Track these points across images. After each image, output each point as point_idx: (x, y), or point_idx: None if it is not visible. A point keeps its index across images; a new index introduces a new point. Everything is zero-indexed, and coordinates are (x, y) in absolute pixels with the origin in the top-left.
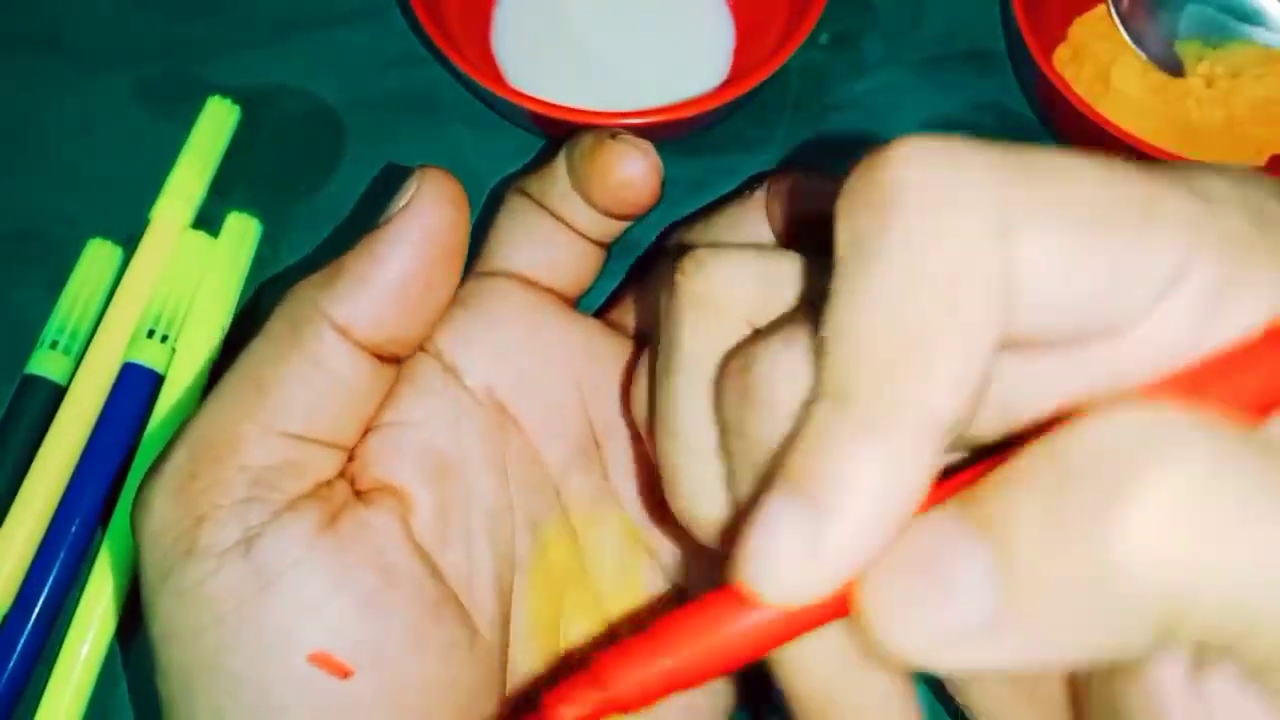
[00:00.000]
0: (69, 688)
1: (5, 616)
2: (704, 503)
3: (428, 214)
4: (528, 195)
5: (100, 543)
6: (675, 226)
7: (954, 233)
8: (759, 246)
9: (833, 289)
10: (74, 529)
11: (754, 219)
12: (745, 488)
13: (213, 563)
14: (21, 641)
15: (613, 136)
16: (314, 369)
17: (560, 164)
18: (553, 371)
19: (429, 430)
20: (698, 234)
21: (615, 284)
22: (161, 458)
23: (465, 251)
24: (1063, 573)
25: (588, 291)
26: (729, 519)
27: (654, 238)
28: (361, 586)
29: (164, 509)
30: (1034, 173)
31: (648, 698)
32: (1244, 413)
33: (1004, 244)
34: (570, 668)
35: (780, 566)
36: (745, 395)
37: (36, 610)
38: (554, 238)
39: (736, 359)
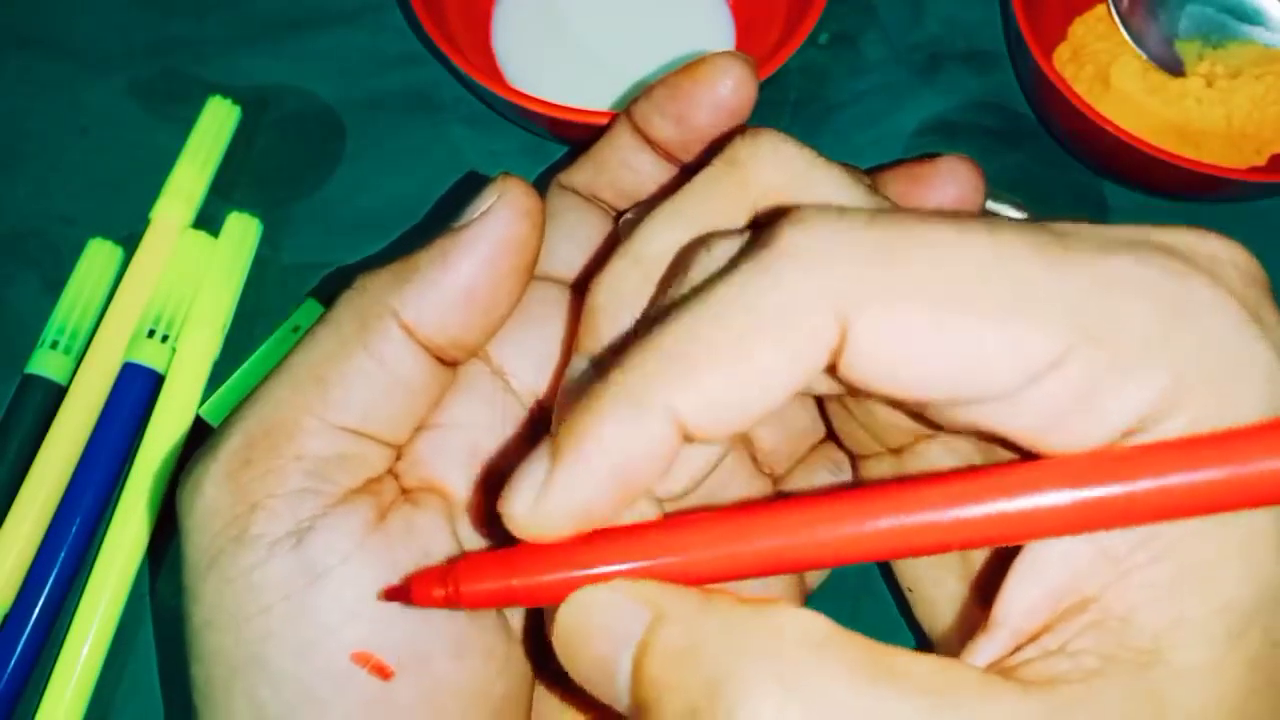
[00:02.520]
0: (69, 688)
1: (5, 616)
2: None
3: (504, 225)
4: (571, 189)
5: (101, 542)
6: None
7: (792, 289)
8: (826, 159)
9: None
10: (74, 529)
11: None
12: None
13: (263, 552)
14: (21, 641)
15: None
16: (377, 365)
17: (607, 145)
18: None
19: (476, 432)
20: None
21: None
22: (215, 440)
23: (534, 266)
24: None
25: None
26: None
27: None
28: None
29: (216, 493)
30: (903, 252)
31: (485, 605)
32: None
33: (837, 317)
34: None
35: (517, 503)
36: (685, 264)
37: (36, 610)
38: (598, 233)
39: (703, 239)
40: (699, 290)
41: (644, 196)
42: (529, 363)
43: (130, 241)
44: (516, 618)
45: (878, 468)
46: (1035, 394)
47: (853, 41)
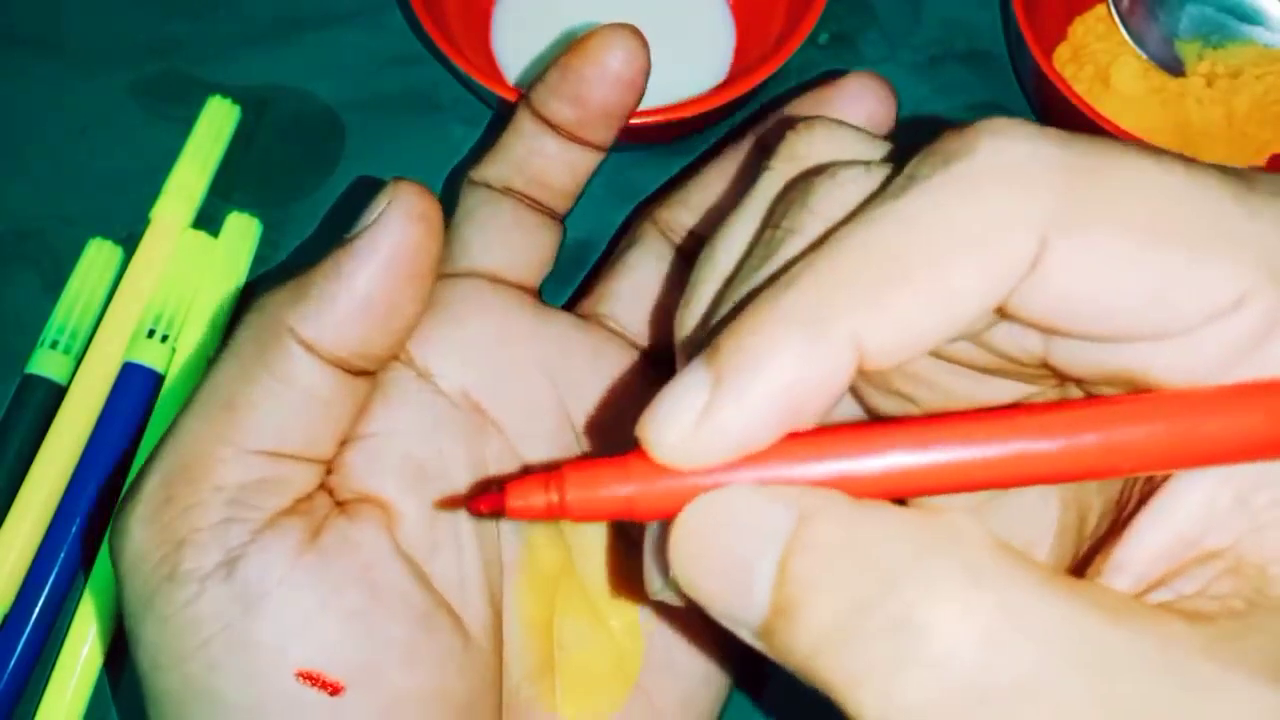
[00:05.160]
0: (69, 688)
1: (5, 616)
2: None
3: (395, 232)
4: (484, 184)
5: (101, 542)
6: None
7: (996, 204)
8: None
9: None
10: (74, 529)
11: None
12: (741, 292)
13: (195, 587)
14: (21, 641)
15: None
16: (283, 385)
17: (512, 134)
18: (527, 370)
19: (407, 438)
20: (679, 200)
21: (577, 282)
22: (136, 483)
23: (435, 269)
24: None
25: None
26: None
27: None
28: (348, 603)
29: (142, 535)
30: (1104, 175)
31: (593, 516)
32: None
33: (1038, 238)
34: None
35: (670, 429)
36: (803, 192)
37: (36, 610)
38: (513, 224)
39: (820, 167)
40: (869, 206)
41: (554, 181)
42: (455, 361)
43: (130, 241)
44: (476, 617)
45: None
46: (1211, 333)
47: (853, 41)
